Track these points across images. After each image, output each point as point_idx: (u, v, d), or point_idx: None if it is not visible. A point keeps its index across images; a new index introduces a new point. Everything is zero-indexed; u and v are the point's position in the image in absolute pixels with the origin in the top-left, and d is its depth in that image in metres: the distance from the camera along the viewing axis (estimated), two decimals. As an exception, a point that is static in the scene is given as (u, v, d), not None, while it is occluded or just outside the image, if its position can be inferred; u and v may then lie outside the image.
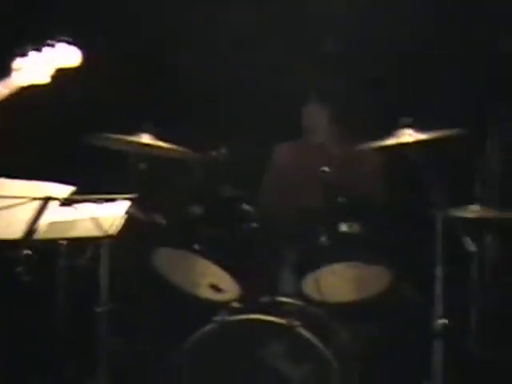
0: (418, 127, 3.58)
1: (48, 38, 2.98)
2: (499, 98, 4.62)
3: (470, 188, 4.54)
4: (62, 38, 2.97)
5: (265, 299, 3.71)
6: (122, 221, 3.12)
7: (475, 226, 3.88)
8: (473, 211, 3.78)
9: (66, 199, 2.91)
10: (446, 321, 3.49)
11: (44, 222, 2.91)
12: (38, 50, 2.91)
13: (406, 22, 4.41)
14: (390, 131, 3.65)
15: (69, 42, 2.96)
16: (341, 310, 3.78)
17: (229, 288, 3.80)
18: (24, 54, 2.90)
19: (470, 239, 3.67)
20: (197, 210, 3.84)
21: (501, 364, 4.01)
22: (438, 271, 3.53)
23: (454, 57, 4.56)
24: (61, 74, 2.94)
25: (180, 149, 3.86)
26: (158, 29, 4.58)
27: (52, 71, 2.93)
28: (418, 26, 4.47)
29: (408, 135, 3.53)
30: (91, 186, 2.97)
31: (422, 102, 4.43)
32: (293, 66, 4.62)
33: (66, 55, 2.93)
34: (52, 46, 2.94)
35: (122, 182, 3.65)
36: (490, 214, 3.90)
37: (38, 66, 2.93)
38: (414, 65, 4.52)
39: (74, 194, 2.91)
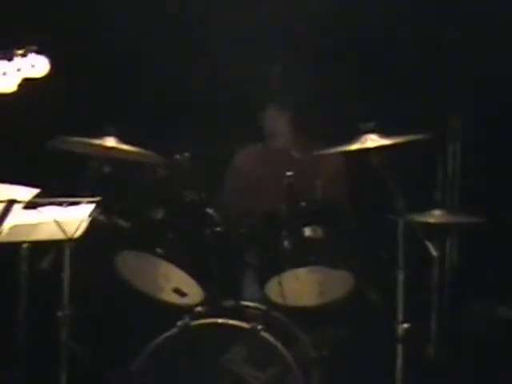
0: (381, 132, 3.59)
1: (17, 45, 2.93)
2: (459, 103, 4.61)
3: (432, 193, 4.54)
4: (30, 47, 2.89)
5: (228, 303, 3.72)
6: (86, 224, 3.13)
7: (437, 231, 4.02)
8: (434, 216, 3.89)
9: (29, 202, 2.92)
10: (407, 325, 3.51)
11: (6, 224, 2.90)
12: (9, 59, 2.85)
13: (364, 27, 4.41)
14: (352, 136, 3.64)
15: (37, 52, 2.90)
16: (304, 315, 3.80)
17: (192, 292, 3.78)
18: (-11, 60, 3.18)
19: (431, 244, 3.81)
20: (160, 213, 3.84)
21: (461, 368, 4.10)
22: (400, 275, 3.56)
23: (410, 60, 4.54)
24: (27, 83, 2.95)
25: (143, 152, 3.81)
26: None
27: (19, 80, 2.91)
28: (376, 30, 4.45)
29: (371, 140, 3.55)
30: (55, 188, 3.01)
31: (383, 107, 4.38)
32: (253, 73, 4.53)
33: (34, 65, 2.92)
34: (24, 55, 2.88)
35: (85, 185, 3.62)
36: (450, 218, 4.03)
37: (8, 75, 2.92)
38: (374, 70, 4.52)
39: (37, 196, 2.91)
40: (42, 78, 2.96)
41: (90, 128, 3.80)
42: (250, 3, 4.66)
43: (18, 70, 2.81)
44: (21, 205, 2.94)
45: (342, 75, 4.57)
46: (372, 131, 3.57)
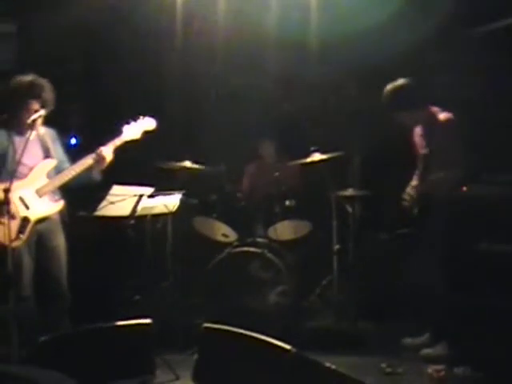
0: (321, 151, 4.68)
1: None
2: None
3: (347, 179, 5.56)
4: (146, 114, 3.98)
5: (249, 240, 4.74)
6: (178, 204, 4.22)
7: (350, 199, 4.93)
8: (348, 191, 4.90)
9: (150, 195, 4.01)
10: (338, 246, 4.80)
11: (139, 206, 4.00)
12: (135, 120, 4.05)
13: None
14: (306, 154, 4.74)
15: (151, 116, 4.05)
16: (286, 244, 4.84)
17: (231, 235, 4.91)
18: (128, 123, 4.00)
19: (347, 205, 4.88)
20: (213, 196, 4.98)
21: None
22: (334, 221, 4.80)
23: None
24: (145, 133, 3.97)
25: (202, 166, 4.82)
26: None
27: (141, 132, 4.05)
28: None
29: (316, 156, 4.69)
30: (161, 187, 4.10)
31: (322, 135, 5.37)
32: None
33: (148, 124, 4.08)
34: (143, 118, 4.05)
35: (175, 185, 4.47)
36: (355, 192, 4.96)
37: (136, 130, 4.03)
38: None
39: (153, 191, 3.96)
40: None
41: (176, 155, 4.76)
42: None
43: (141, 127, 4.02)
44: (145, 196, 3.97)
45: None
46: (316, 151, 4.72)
